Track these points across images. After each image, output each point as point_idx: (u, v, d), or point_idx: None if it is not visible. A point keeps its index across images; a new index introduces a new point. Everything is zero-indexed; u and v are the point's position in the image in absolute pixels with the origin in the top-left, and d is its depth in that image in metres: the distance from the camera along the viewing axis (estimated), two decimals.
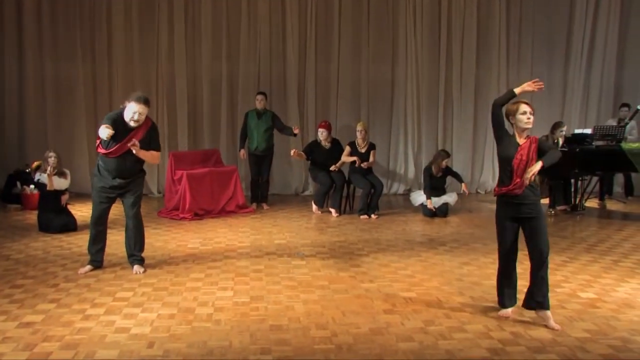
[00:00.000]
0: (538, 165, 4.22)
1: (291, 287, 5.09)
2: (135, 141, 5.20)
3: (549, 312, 4.24)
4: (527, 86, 4.34)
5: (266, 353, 3.69)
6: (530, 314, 4.39)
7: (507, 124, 4.44)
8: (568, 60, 11.19)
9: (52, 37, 10.12)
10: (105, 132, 4.95)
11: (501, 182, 4.38)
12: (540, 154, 4.31)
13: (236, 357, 3.64)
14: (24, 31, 10.06)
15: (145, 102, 5.21)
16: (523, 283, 4.41)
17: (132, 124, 5.21)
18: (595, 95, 11.32)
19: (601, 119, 11.12)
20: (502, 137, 4.37)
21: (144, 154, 5.35)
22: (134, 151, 5.22)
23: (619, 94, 11.37)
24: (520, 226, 4.35)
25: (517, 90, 4.33)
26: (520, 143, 4.31)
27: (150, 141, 5.43)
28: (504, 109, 4.38)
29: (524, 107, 4.26)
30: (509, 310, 4.44)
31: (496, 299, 4.58)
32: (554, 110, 10.97)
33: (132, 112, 5.16)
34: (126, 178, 5.40)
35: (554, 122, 9.23)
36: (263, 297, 4.81)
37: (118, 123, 5.18)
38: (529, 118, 4.25)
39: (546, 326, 4.18)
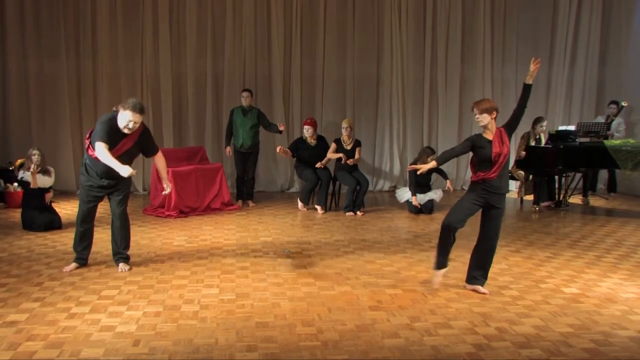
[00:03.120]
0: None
1: (277, 284, 5.09)
2: (167, 187, 5.46)
3: (481, 287, 4.88)
4: (534, 69, 4.70)
5: (252, 350, 3.69)
6: (515, 310, 4.46)
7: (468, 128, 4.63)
8: (552, 57, 11.28)
9: (36, 34, 10.01)
10: (127, 171, 4.87)
11: (478, 170, 4.76)
12: (510, 130, 4.74)
13: (222, 355, 3.63)
14: (6, 27, 9.93)
15: (141, 111, 5.11)
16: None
17: (125, 131, 5.15)
18: (579, 92, 11.44)
19: (584, 116, 11.25)
20: (474, 148, 4.74)
21: (164, 178, 5.56)
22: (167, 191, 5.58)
23: (601, 91, 11.52)
24: (483, 212, 4.82)
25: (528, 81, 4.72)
26: (491, 138, 4.68)
27: (147, 146, 5.40)
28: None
29: (474, 110, 4.71)
30: (439, 274, 4.94)
31: (481, 294, 4.81)
32: (538, 107, 11.06)
33: (127, 120, 5.06)
34: (115, 179, 5.33)
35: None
36: (249, 294, 4.81)
37: (112, 131, 5.09)
38: (477, 118, 4.68)
39: (475, 291, 4.87)
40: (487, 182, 4.68)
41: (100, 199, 5.47)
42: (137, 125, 5.15)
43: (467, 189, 5.02)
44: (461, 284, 5.06)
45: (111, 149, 5.03)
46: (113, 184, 5.36)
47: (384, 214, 8.62)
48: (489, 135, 4.69)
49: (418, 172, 5.00)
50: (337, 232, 7.31)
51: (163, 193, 5.83)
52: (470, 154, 4.82)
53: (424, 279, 5.28)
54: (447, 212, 4.92)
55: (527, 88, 4.72)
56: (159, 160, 5.59)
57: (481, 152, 4.68)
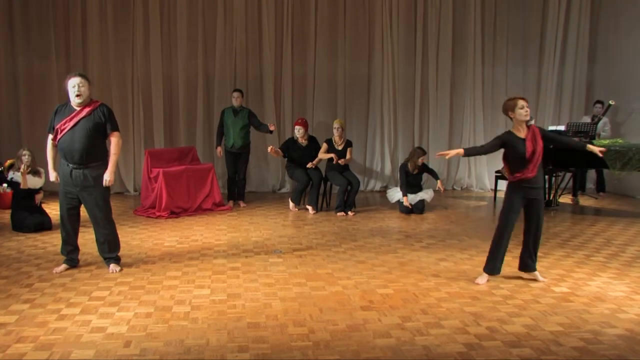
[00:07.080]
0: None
1: (268, 284, 5.09)
2: (107, 179, 5.25)
3: (537, 272, 5.24)
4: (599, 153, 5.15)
5: (244, 351, 3.69)
6: (506, 309, 4.49)
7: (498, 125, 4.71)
8: (542, 58, 11.33)
9: (25, 33, 9.95)
10: (52, 177, 5.25)
11: (514, 170, 4.98)
12: (544, 134, 5.02)
13: (214, 355, 3.63)
14: None
15: (81, 75, 5.20)
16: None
17: (76, 100, 5.14)
18: (568, 92, 11.48)
19: (574, 116, 11.32)
20: (505, 146, 4.96)
21: (111, 165, 5.29)
22: (108, 182, 5.27)
23: (590, 90, 11.58)
24: (525, 206, 5.06)
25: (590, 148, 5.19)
26: (524, 136, 4.90)
27: (106, 121, 5.25)
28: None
29: (521, 102, 4.91)
30: (486, 277, 5.16)
31: (474, 294, 4.83)
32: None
33: (72, 86, 5.13)
34: (81, 164, 5.17)
35: None
36: (240, 294, 4.80)
37: (59, 111, 5.23)
38: (526, 111, 4.90)
39: (536, 280, 5.19)
40: (526, 181, 4.92)
41: (75, 200, 5.33)
42: (84, 90, 5.15)
43: (507, 190, 5.20)
44: (452, 284, 5.08)
45: (61, 121, 5.17)
46: (81, 177, 5.20)
47: (375, 214, 8.63)
48: (520, 134, 4.90)
49: (447, 157, 5.11)
50: (329, 232, 7.32)
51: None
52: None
53: (415, 278, 5.29)
54: (499, 217, 5.19)
55: (579, 147, 5.24)
56: (117, 145, 5.38)
57: (513, 150, 4.89)
